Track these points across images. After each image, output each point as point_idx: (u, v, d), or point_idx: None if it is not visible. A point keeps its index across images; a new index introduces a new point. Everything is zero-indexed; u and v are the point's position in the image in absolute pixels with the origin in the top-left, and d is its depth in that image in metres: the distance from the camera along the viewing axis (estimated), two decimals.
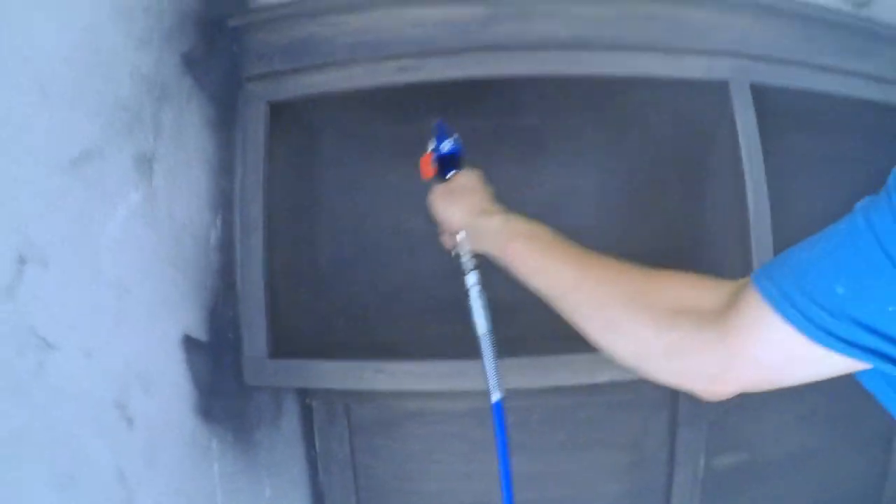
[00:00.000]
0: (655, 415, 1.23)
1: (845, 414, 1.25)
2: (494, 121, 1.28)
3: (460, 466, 1.24)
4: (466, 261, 0.76)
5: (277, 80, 1.09)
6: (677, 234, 1.24)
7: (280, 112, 1.12)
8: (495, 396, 0.78)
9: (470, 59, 1.05)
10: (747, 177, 1.06)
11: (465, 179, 0.79)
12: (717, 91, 1.09)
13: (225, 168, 1.08)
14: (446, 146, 0.79)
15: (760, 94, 1.09)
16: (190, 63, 1.01)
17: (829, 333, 0.43)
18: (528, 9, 1.05)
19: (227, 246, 1.08)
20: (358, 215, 1.30)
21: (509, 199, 1.29)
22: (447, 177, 0.80)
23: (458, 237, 0.77)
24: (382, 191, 1.30)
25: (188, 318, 0.99)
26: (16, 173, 0.74)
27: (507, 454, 0.79)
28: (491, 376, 0.78)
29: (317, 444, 1.25)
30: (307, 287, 1.24)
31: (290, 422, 1.22)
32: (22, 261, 0.73)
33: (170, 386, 0.96)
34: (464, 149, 0.81)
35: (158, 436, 0.93)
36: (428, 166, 0.81)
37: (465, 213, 0.75)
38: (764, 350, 0.48)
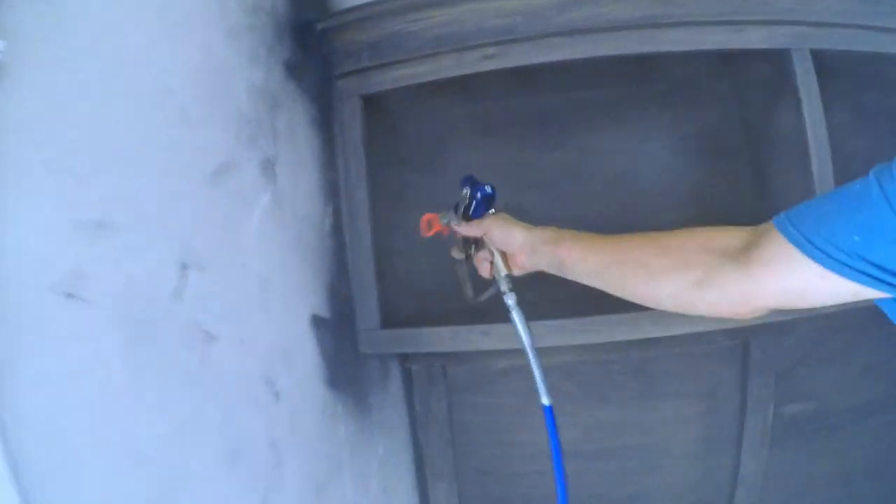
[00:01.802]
0: (727, 366, 1.32)
1: None
2: (564, 95, 1.36)
3: None
4: (505, 282, 0.88)
5: (368, 76, 1.18)
6: (743, 198, 1.32)
7: (370, 103, 1.21)
8: (546, 401, 0.91)
9: (549, 43, 1.12)
10: (811, 141, 1.12)
11: (503, 215, 0.91)
12: (779, 59, 1.15)
13: (330, 161, 1.18)
14: (487, 189, 0.91)
15: (821, 58, 1.14)
16: (291, 69, 1.11)
17: (847, 266, 0.56)
18: None
19: (338, 231, 1.19)
20: (443, 189, 1.39)
21: (580, 166, 1.38)
22: (484, 214, 0.91)
23: (496, 260, 0.89)
24: (464, 165, 1.38)
25: (314, 300, 1.11)
26: (173, 190, 0.85)
27: (560, 455, 0.91)
28: (540, 383, 0.91)
29: (416, 403, 1.38)
30: (404, 264, 1.35)
31: (395, 385, 1.36)
32: (185, 266, 0.84)
33: (305, 361, 1.08)
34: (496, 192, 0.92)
35: (298, 406, 1.06)
36: (427, 226, 0.94)
37: (523, 232, 0.85)
38: (785, 280, 0.62)
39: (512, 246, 0.86)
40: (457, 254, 0.95)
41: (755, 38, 1.14)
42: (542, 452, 1.38)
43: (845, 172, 1.15)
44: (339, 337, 1.17)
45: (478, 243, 0.92)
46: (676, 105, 1.36)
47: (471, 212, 0.91)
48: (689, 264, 0.68)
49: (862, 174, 0.57)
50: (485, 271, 0.91)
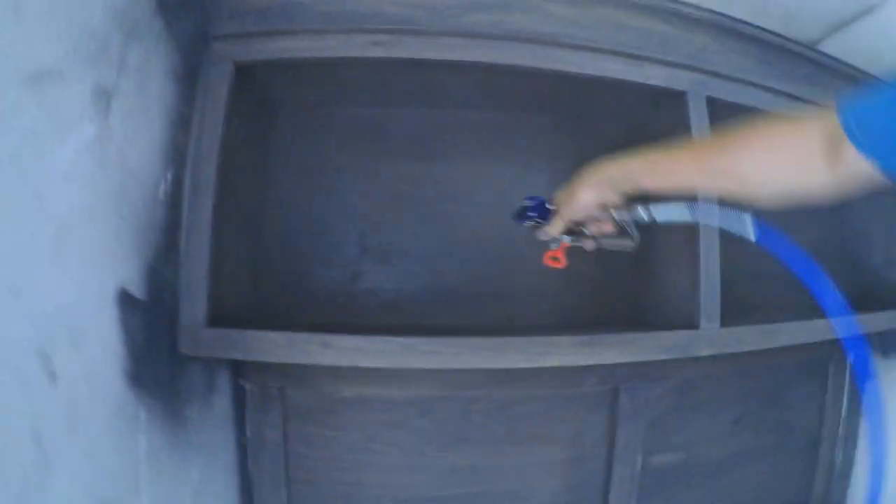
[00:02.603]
0: (596, 412, 1.24)
1: (773, 420, 1.32)
2: (453, 112, 1.30)
3: (400, 458, 1.20)
4: (624, 216, 0.90)
5: (247, 42, 1.05)
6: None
7: (243, 75, 1.08)
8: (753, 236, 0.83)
9: (446, 42, 1.05)
10: None
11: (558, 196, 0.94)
12: (675, 101, 1.15)
13: (182, 122, 1.02)
14: (536, 198, 0.99)
15: (713, 107, 1.15)
16: (163, 6, 0.97)
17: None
18: (509, 1, 1.07)
19: (174, 204, 1.01)
20: (308, 192, 1.27)
21: (458, 187, 1.31)
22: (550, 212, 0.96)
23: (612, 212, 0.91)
24: (335, 171, 1.28)
25: (127, 272, 0.92)
26: None
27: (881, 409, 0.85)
28: (736, 224, 0.85)
29: (248, 428, 1.18)
30: (249, 259, 1.19)
31: (223, 401, 1.15)
32: None
33: (100, 342, 0.88)
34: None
35: (83, 397, 0.84)
36: (554, 260, 0.97)
37: (592, 178, 0.86)
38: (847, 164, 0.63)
39: (589, 208, 0.86)
40: (588, 245, 0.95)
41: (653, 76, 1.13)
42: (388, 495, 1.22)
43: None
44: (153, 328, 0.97)
45: (573, 232, 0.94)
46: (566, 136, 1.33)
47: (542, 218, 0.95)
48: (807, 131, 0.66)
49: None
50: (591, 244, 0.93)
